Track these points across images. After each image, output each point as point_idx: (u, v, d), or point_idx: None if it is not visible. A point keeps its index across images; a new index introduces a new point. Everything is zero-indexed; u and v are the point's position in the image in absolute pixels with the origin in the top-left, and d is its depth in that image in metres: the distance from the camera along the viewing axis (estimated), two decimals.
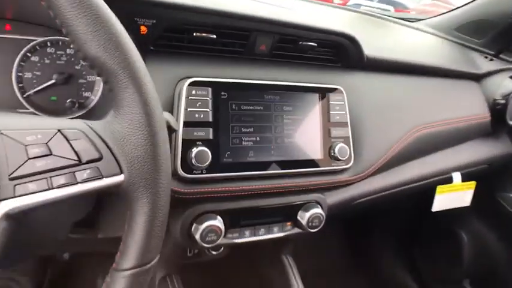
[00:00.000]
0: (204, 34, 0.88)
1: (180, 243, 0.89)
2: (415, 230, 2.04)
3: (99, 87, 0.90)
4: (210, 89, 0.84)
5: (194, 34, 0.87)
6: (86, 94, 0.90)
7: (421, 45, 1.43)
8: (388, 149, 1.09)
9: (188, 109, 0.81)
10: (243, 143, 0.87)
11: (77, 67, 0.91)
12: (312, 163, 0.95)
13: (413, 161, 1.25)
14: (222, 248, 1.20)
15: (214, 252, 1.21)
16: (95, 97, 0.90)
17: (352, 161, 1.00)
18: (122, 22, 0.83)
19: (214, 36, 0.88)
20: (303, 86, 0.95)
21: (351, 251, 2.15)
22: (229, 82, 0.87)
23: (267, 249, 1.33)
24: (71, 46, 0.87)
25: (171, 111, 0.82)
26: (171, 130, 0.65)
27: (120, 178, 0.47)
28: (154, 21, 0.82)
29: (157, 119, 0.50)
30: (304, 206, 0.99)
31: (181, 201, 0.86)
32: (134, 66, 0.49)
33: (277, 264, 1.26)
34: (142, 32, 0.84)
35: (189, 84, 0.82)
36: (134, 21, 0.81)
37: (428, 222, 1.94)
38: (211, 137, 0.82)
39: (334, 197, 1.09)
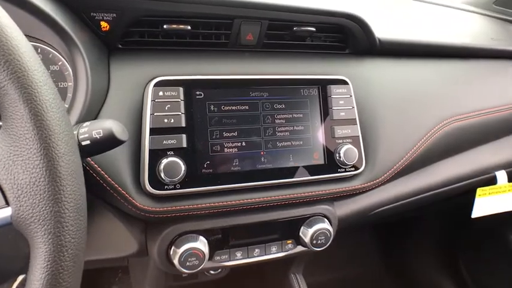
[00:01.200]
0: (176, 26, 0.75)
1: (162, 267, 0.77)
2: (457, 233, 1.80)
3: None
4: (181, 89, 0.71)
5: (164, 27, 0.75)
6: None
7: (450, 22, 1.22)
8: (410, 148, 0.91)
9: (155, 114, 0.69)
10: (226, 150, 0.74)
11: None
12: (313, 170, 0.79)
13: (443, 160, 1.06)
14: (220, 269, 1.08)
15: (212, 272, 1.08)
16: None
17: (363, 165, 0.84)
18: (79, 19, 0.75)
19: (189, 28, 0.76)
20: (296, 79, 0.80)
21: (382, 257, 1.94)
22: (205, 79, 0.74)
23: (272, 266, 1.18)
24: None
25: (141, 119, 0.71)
26: (115, 141, 0.53)
27: (5, 212, 0.36)
28: (114, 15, 0.71)
29: (55, 131, 0.38)
30: (308, 221, 0.84)
31: (156, 221, 0.74)
32: (23, 73, 0.37)
33: (284, 284, 1.11)
34: (104, 29, 0.73)
35: (155, 85, 0.70)
36: (92, 17, 0.70)
37: (472, 224, 1.70)
38: (184, 144, 0.70)
39: (345, 208, 0.93)
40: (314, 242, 0.81)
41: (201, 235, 0.75)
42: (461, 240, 1.78)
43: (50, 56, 0.77)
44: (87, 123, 0.55)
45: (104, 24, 0.73)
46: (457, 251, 1.79)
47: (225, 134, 0.74)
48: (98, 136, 0.53)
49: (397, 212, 1.03)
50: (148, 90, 0.70)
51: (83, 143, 0.54)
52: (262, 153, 0.76)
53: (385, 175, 0.88)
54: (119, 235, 0.79)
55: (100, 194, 0.71)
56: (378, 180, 0.87)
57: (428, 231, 1.89)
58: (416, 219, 1.81)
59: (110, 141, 0.53)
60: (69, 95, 0.79)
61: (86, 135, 0.53)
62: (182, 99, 0.71)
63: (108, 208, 0.77)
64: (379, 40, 0.93)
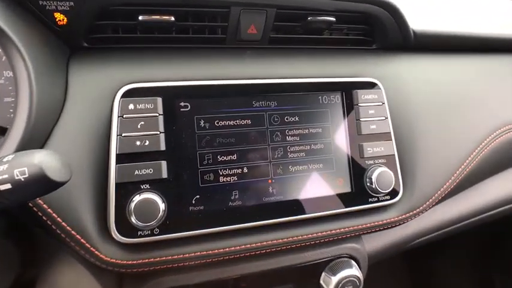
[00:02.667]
0: (155, 17, 0.57)
1: None
2: (495, 252, 1.59)
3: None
4: (159, 100, 0.54)
5: (140, 18, 0.57)
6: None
7: (499, 10, 1.02)
8: (456, 168, 0.73)
9: (123, 134, 0.51)
10: (221, 179, 0.56)
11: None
12: (337, 201, 0.62)
13: (493, 177, 0.87)
14: None
15: None
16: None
17: (401, 192, 0.65)
18: (25, 11, 0.56)
19: (172, 19, 0.58)
20: (313, 83, 0.62)
21: (409, 277, 1.74)
22: (192, 86, 0.56)
23: None
24: None
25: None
26: (48, 184, 0.36)
27: None
28: (71, 3, 0.54)
29: None
30: (330, 265, 0.66)
31: (132, 274, 0.56)
32: None
33: None
34: (60, 23, 0.56)
35: (124, 95, 0.52)
36: (41, 6, 0.53)
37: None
38: (164, 175, 0.53)
39: (375, 242, 0.75)
40: None
41: None
42: (498, 260, 1.58)
43: (3, 59, 0.59)
44: (10, 156, 0.38)
45: (59, 16, 0.56)
46: (493, 272, 1.59)
47: (220, 159, 0.56)
48: (21, 177, 0.36)
49: (438, 240, 0.84)
50: (115, 102, 0.52)
51: (2, 187, 0.37)
52: (270, 181, 0.59)
53: (427, 203, 0.70)
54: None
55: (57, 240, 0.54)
56: (417, 210, 0.69)
57: (460, 249, 1.69)
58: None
59: (39, 185, 0.36)
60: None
61: (6, 176, 0.37)
62: (161, 113, 0.54)
63: (74, 255, 0.59)
64: (414, 32, 0.75)
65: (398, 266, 1.74)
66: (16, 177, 0.36)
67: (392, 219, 0.67)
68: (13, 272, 0.58)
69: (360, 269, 0.67)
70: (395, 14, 0.70)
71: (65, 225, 0.51)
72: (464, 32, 0.82)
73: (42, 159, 0.36)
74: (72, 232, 0.51)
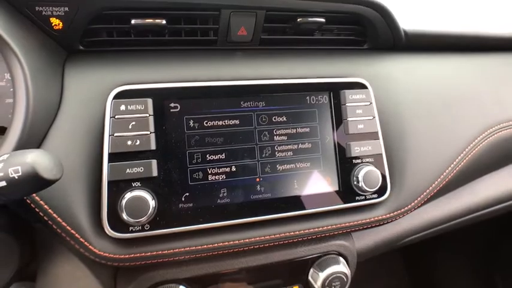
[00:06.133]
0: (147, 21, 0.59)
1: None
2: (495, 251, 1.58)
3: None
4: (149, 101, 0.56)
5: (132, 22, 0.59)
6: None
7: (491, 8, 1.02)
8: (446, 167, 0.73)
9: (115, 134, 0.54)
10: (210, 177, 0.58)
11: (0, 83, 0.68)
12: (324, 199, 0.63)
13: (485, 176, 0.87)
14: None
15: None
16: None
17: (388, 191, 0.66)
18: (23, 16, 0.58)
19: (164, 23, 0.60)
20: (301, 84, 0.64)
21: (408, 274, 1.74)
22: (182, 87, 0.58)
23: None
24: None
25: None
26: (40, 182, 0.38)
27: None
28: (66, 8, 0.56)
29: None
30: (318, 261, 0.67)
31: (123, 269, 0.59)
32: None
33: None
34: (56, 28, 0.58)
35: (116, 97, 0.54)
36: (38, 12, 0.56)
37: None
38: (154, 173, 0.55)
39: (365, 239, 0.76)
40: None
41: (182, 285, 0.60)
42: (500, 260, 1.56)
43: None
44: (5, 156, 0.40)
45: (54, 21, 0.58)
46: (493, 268, 1.58)
47: (208, 157, 0.58)
48: (15, 175, 0.38)
49: (429, 238, 0.85)
50: (107, 103, 0.54)
51: None
52: (257, 180, 0.60)
53: (416, 201, 0.70)
54: (83, 280, 0.64)
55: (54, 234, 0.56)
56: (406, 209, 0.70)
57: (460, 244, 1.68)
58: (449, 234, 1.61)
59: (32, 182, 0.39)
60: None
61: (1, 174, 0.39)
62: (151, 113, 0.56)
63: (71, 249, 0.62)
64: (405, 32, 0.76)
65: (397, 262, 1.74)
66: (10, 175, 0.39)
67: (380, 217, 0.68)
68: (15, 264, 0.61)
69: (348, 266, 0.69)
70: (384, 14, 0.71)
71: (61, 221, 0.53)
72: (456, 32, 0.82)
73: (34, 159, 0.39)
74: (68, 227, 0.53)
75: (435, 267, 1.71)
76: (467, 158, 0.76)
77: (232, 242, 0.59)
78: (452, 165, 0.74)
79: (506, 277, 1.56)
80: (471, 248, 1.66)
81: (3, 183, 0.39)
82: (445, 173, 0.73)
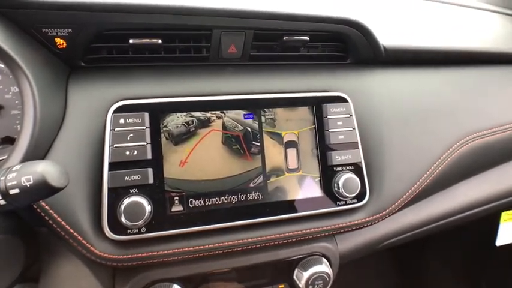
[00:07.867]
0: (144, 40, 0.65)
1: None
2: (481, 259, 1.63)
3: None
4: (146, 115, 0.61)
5: (131, 41, 0.64)
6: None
7: (465, 24, 1.09)
8: (422, 173, 0.78)
9: (115, 145, 0.59)
10: (203, 183, 0.63)
11: (7, 96, 0.73)
12: (307, 203, 0.68)
13: (462, 182, 0.93)
14: None
15: None
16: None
17: (367, 196, 0.72)
18: (29, 36, 0.64)
19: (160, 42, 0.65)
20: (285, 98, 0.69)
21: (398, 277, 1.78)
22: (175, 102, 0.63)
23: None
24: None
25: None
26: (49, 189, 0.43)
27: None
28: (70, 30, 0.61)
29: None
30: (302, 262, 0.72)
31: (121, 270, 0.64)
32: None
33: None
34: (60, 47, 0.63)
35: (116, 111, 0.60)
36: (44, 33, 0.61)
37: (497, 249, 1.54)
38: (150, 180, 0.59)
39: (348, 241, 0.81)
40: (310, 287, 0.69)
41: (176, 283, 0.65)
42: (486, 268, 1.61)
43: (11, 77, 0.67)
44: (18, 166, 0.45)
45: (59, 41, 0.63)
46: (481, 280, 1.62)
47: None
48: (27, 184, 0.43)
49: (410, 240, 0.90)
50: (107, 117, 0.60)
51: (11, 192, 0.44)
52: (248, 186, 0.65)
53: (393, 206, 0.76)
54: (84, 280, 0.69)
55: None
56: (384, 213, 0.75)
57: (446, 250, 1.73)
58: (434, 241, 1.65)
59: (41, 190, 0.44)
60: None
61: (14, 183, 0.44)
62: (148, 126, 0.61)
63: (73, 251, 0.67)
64: (384, 48, 0.81)
65: (387, 264, 1.78)
66: (23, 184, 0.43)
67: (360, 221, 0.73)
68: (20, 264, 0.64)
69: (331, 267, 0.74)
70: (364, 32, 0.76)
71: (65, 224, 0.58)
72: (432, 47, 0.88)
73: (44, 169, 0.44)
74: (71, 230, 0.58)
75: (425, 269, 1.75)
76: (443, 165, 0.82)
77: (222, 244, 0.64)
78: (428, 172, 0.79)
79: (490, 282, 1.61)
80: (458, 255, 1.70)
81: (16, 191, 0.44)
82: (421, 179, 0.78)
